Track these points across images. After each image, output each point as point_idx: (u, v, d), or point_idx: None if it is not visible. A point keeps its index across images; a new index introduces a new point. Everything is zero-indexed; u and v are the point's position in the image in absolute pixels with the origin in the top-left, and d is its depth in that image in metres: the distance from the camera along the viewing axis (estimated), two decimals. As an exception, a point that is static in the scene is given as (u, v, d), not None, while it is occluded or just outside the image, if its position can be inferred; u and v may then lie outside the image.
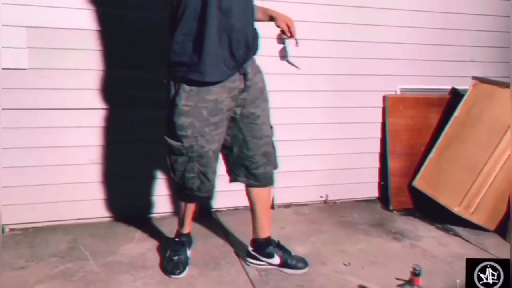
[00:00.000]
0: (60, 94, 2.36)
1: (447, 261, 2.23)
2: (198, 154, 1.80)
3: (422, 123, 2.97)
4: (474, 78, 2.82)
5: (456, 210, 2.45)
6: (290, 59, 1.91)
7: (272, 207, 2.32)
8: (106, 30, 2.36)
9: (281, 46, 1.91)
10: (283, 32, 1.88)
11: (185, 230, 2.10)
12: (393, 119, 2.92)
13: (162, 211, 2.61)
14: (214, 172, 1.90)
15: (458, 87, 3.04)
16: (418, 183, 2.81)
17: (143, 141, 2.44)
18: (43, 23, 2.27)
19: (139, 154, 2.48)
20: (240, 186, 2.07)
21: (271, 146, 2.00)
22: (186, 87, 1.75)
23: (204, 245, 2.26)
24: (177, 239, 2.10)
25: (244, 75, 1.82)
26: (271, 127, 2.00)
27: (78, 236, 2.32)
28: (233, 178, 2.03)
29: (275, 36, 1.91)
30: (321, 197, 2.94)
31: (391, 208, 2.89)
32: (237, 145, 1.94)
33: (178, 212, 2.14)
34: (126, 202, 2.53)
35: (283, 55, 1.91)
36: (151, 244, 2.28)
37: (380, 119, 2.97)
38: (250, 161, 1.95)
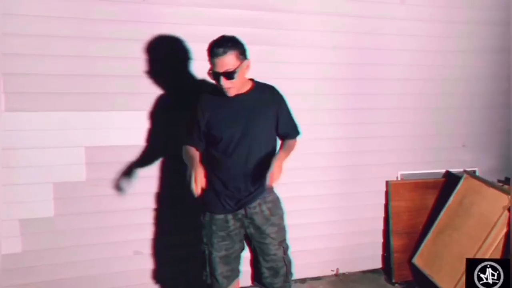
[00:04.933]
0: (111, 199, 2.77)
1: None
2: (208, 259, 2.28)
3: (421, 204, 3.38)
4: (466, 172, 3.23)
5: (450, 294, 2.85)
6: None
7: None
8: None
9: None
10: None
11: None
12: (395, 202, 3.33)
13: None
14: (225, 276, 2.29)
15: (452, 170, 3.46)
16: (417, 260, 3.22)
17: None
18: (99, 142, 2.69)
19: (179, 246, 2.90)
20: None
21: (279, 263, 2.31)
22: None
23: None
24: None
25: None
26: (283, 247, 2.33)
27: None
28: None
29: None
30: (332, 270, 3.35)
31: (393, 281, 3.30)
32: (255, 257, 2.36)
33: None
34: None
35: None
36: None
37: (383, 201, 3.39)
38: (260, 272, 2.34)
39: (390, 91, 3.30)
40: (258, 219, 2.27)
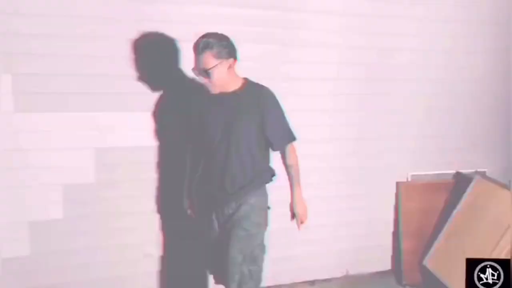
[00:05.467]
0: (120, 201, 2.73)
1: None
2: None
3: (431, 205, 3.35)
4: (477, 173, 3.21)
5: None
6: None
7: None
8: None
9: None
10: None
11: None
12: (405, 204, 3.30)
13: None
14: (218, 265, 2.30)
15: (462, 170, 3.44)
16: (428, 263, 3.19)
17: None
18: (109, 144, 2.65)
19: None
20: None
21: (235, 269, 2.15)
22: None
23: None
24: None
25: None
26: (245, 255, 2.16)
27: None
28: None
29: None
30: (342, 272, 3.32)
31: (403, 282, 3.28)
32: None
33: None
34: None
35: None
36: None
37: (393, 202, 3.36)
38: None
39: (399, 92, 3.27)
40: (231, 219, 2.21)
